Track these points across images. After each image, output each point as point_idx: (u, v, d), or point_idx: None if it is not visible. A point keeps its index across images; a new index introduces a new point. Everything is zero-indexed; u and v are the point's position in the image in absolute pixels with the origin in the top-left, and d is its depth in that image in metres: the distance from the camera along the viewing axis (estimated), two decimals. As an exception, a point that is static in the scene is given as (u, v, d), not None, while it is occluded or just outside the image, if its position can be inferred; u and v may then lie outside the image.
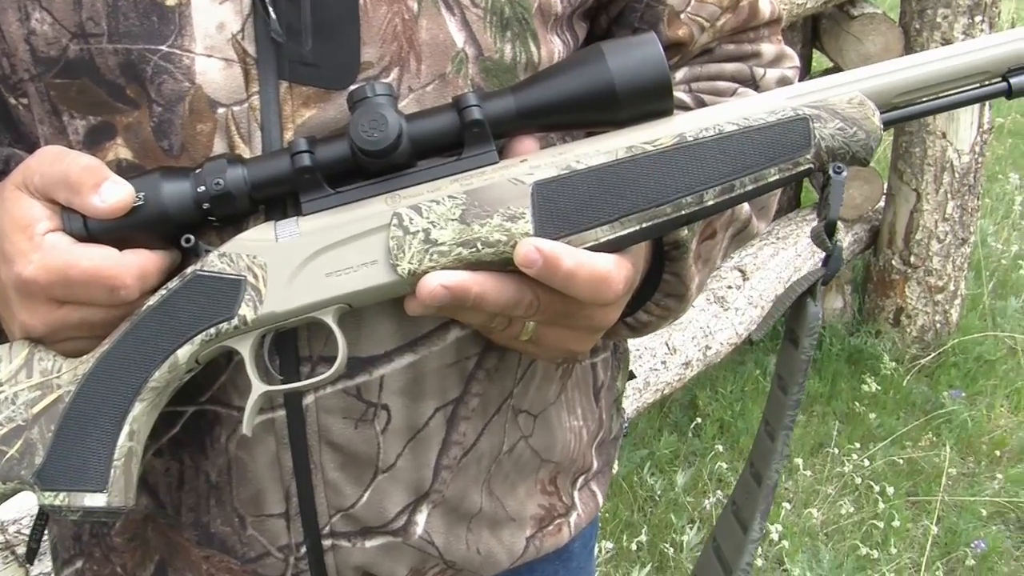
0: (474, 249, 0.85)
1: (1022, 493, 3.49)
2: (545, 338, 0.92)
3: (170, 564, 1.02)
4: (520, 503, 1.07)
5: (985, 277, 4.55)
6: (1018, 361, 4.17)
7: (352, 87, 0.87)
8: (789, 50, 1.15)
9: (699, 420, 3.66)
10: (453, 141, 0.87)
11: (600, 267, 0.85)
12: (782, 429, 0.94)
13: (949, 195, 3.97)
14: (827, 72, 4.03)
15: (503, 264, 0.85)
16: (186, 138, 0.89)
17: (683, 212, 0.87)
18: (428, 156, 0.88)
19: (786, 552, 3.12)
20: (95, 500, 0.86)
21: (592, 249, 0.85)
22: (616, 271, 0.86)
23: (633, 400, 2.96)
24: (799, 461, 3.46)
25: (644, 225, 0.86)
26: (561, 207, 0.86)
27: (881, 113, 0.89)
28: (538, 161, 0.87)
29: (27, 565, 1.22)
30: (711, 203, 0.87)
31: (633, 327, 1.05)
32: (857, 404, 3.87)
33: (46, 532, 1.08)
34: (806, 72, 4.18)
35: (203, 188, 0.86)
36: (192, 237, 0.87)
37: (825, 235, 0.89)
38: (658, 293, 1.02)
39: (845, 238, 4.09)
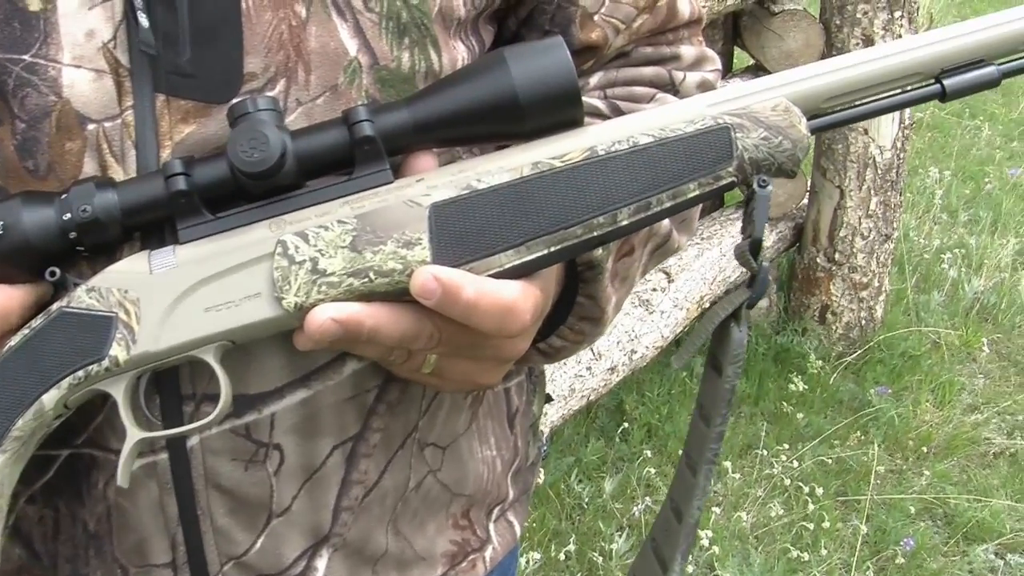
0: (366, 279, 0.77)
1: (949, 489, 3.49)
2: (449, 371, 0.85)
3: (48, 620, 0.94)
4: (430, 541, 1.00)
5: (908, 272, 4.56)
6: (942, 355, 4.18)
7: (234, 101, 0.80)
8: (711, 52, 1.09)
9: (626, 425, 3.61)
10: (343, 159, 0.80)
11: (504, 296, 0.78)
12: (704, 463, 0.88)
13: (872, 191, 3.97)
14: (749, 69, 4.02)
15: (399, 294, 0.78)
16: (53, 157, 0.81)
17: (595, 233, 0.80)
18: (317, 176, 0.81)
19: (716, 557, 3.08)
20: None
21: (497, 276, 0.79)
22: (522, 300, 0.79)
23: (559, 407, 2.91)
24: (728, 464, 3.43)
25: (553, 249, 0.79)
26: (461, 231, 0.78)
27: (808, 120, 0.82)
28: (436, 180, 0.80)
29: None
30: (626, 223, 0.80)
31: (546, 353, 0.98)
32: (785, 404, 3.85)
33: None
34: (728, 70, 4.16)
35: (69, 215, 0.77)
36: (57, 270, 0.79)
37: (750, 254, 0.82)
38: (572, 317, 0.95)
39: (769, 236, 4.07)
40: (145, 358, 0.78)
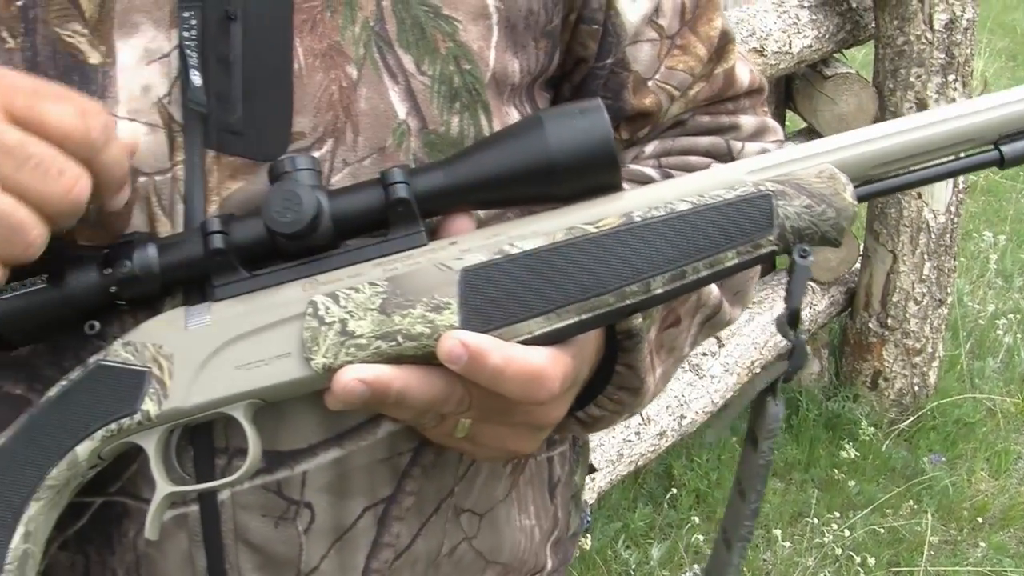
0: (394, 343, 0.77)
1: (1006, 561, 3.40)
2: (482, 436, 0.84)
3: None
4: (462, 607, 0.99)
5: (962, 338, 4.49)
6: (997, 423, 4.10)
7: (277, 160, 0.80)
8: (773, 122, 1.08)
9: (675, 491, 3.56)
10: (379, 220, 0.80)
11: (532, 363, 0.77)
12: (738, 540, 0.85)
13: (926, 256, 3.92)
14: (801, 132, 4.00)
15: (427, 358, 0.77)
16: (103, 207, 0.81)
17: (628, 302, 0.78)
18: (353, 236, 0.81)
19: (765, 628, 3.03)
20: None
21: (526, 342, 0.78)
22: (551, 367, 0.78)
23: (606, 473, 2.88)
24: (777, 532, 3.37)
25: (584, 316, 0.78)
26: (491, 296, 0.78)
27: (855, 187, 0.80)
28: (469, 244, 0.80)
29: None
30: (660, 291, 0.79)
31: (584, 422, 0.97)
32: (836, 471, 3.78)
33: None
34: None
35: (110, 271, 0.78)
36: (97, 324, 0.80)
37: (788, 325, 0.80)
38: (610, 386, 0.94)
39: (821, 301, 4.03)
40: (176, 414, 0.78)
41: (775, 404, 0.82)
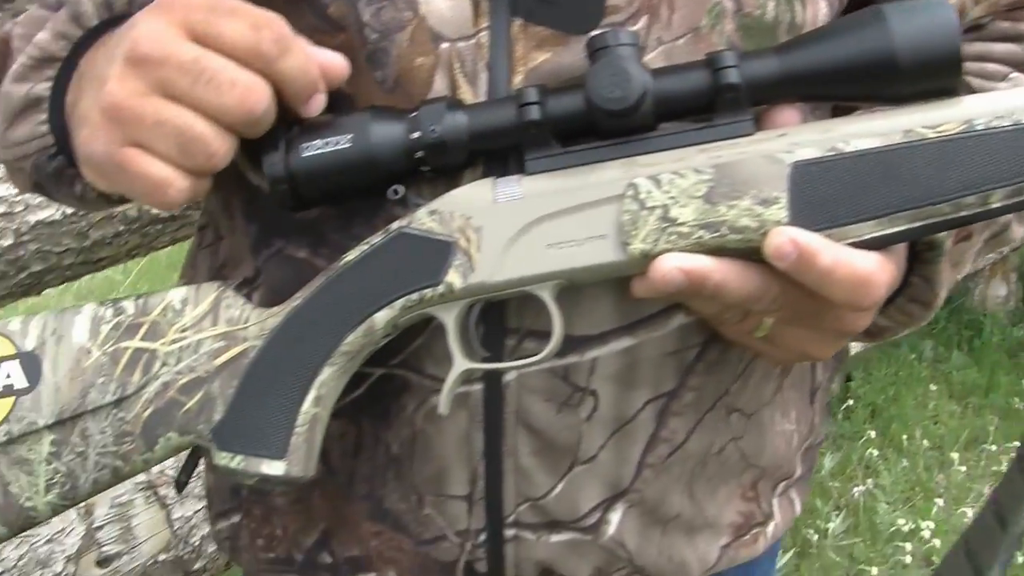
0: (718, 234, 0.73)
1: None
2: (782, 337, 0.81)
3: (335, 535, 0.94)
4: (719, 509, 0.96)
5: None
6: None
7: (593, 33, 0.76)
8: None
9: (851, 402, 3.50)
10: (702, 105, 0.76)
11: (861, 268, 0.73)
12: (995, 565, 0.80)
13: None
14: None
15: (748, 253, 0.74)
16: (402, 71, 0.80)
17: (963, 213, 0.74)
18: (672, 119, 0.77)
19: (936, 552, 2.97)
20: (273, 468, 0.78)
21: (853, 246, 0.73)
22: (879, 273, 0.74)
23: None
24: (954, 455, 3.29)
25: (915, 224, 0.74)
26: (822, 194, 0.73)
27: None
28: (799, 137, 0.75)
29: (176, 494, 1.16)
30: (997, 206, 0.73)
31: (870, 332, 0.92)
32: (1016, 399, 3.67)
33: (200, 476, 1.02)
34: None
35: (418, 134, 0.76)
36: (401, 189, 0.78)
37: None
38: (901, 297, 0.89)
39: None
40: (481, 288, 0.76)
41: None
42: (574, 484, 0.88)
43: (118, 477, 0.83)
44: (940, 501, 3.19)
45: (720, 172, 0.74)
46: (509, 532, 0.89)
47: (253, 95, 0.72)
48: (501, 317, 0.83)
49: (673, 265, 0.72)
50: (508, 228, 0.76)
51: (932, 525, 3.03)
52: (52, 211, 1.71)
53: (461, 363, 0.78)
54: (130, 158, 0.74)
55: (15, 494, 0.81)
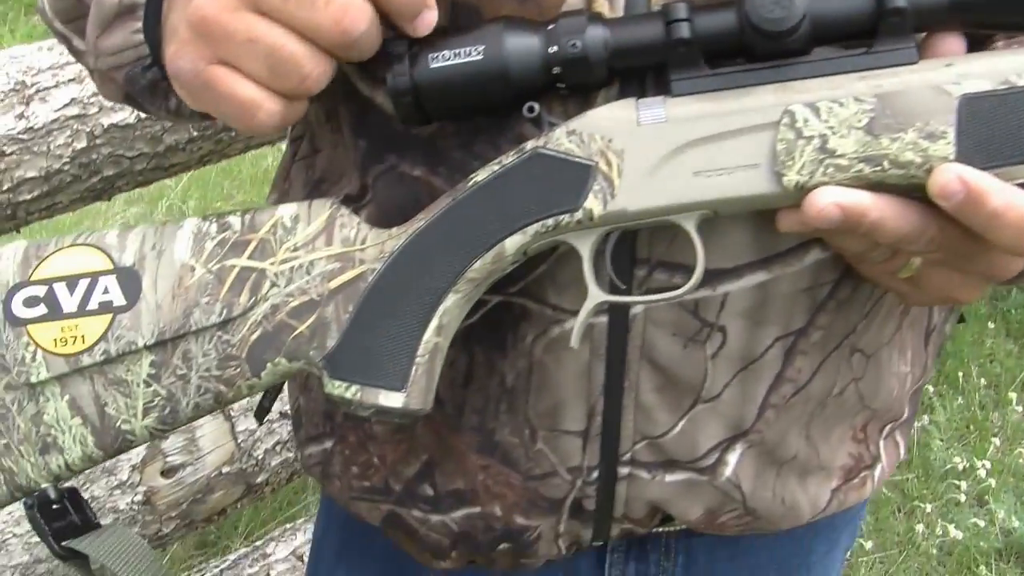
0: (879, 168, 0.68)
1: None
2: (928, 279, 0.76)
3: (439, 467, 0.91)
4: (832, 451, 0.93)
5: None
6: None
7: None
8: None
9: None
10: (863, 29, 0.70)
11: None
12: None
13: None
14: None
15: (910, 190, 0.69)
16: None
17: None
18: (827, 43, 0.72)
19: (991, 491, 2.94)
20: (391, 399, 0.75)
21: (1020, 187, 0.68)
22: None
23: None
24: (1012, 395, 3.24)
25: None
26: (993, 131, 0.68)
27: None
28: (967, 68, 0.69)
29: (257, 422, 1.13)
30: None
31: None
32: (1075, 340, 3.61)
33: (285, 397, 0.99)
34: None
35: (556, 48, 0.71)
36: (536, 106, 0.73)
37: None
38: None
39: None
40: (621, 216, 0.72)
41: None
42: (695, 423, 0.85)
43: (220, 403, 0.79)
44: (997, 441, 3.15)
45: (883, 102, 0.69)
46: (623, 470, 0.87)
47: (350, 14, 0.67)
48: (632, 246, 0.79)
49: (830, 200, 0.68)
50: (652, 153, 0.71)
51: (988, 464, 2.99)
52: (126, 114, 1.67)
53: (597, 294, 0.74)
54: (218, 77, 0.70)
55: (112, 416, 0.78)
